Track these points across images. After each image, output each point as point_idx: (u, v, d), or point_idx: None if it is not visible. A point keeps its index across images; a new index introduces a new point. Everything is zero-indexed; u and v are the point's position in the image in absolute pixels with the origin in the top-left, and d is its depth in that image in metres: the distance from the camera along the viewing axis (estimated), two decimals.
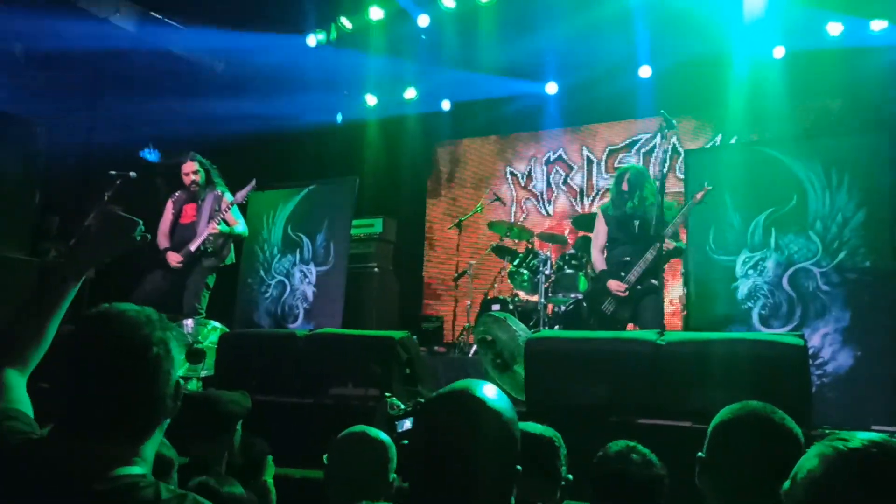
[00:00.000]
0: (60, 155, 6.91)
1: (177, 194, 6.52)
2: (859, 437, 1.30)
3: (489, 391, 1.51)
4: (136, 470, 1.38)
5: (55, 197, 6.96)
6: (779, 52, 7.50)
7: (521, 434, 1.53)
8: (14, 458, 1.38)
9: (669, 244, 5.41)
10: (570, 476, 2.47)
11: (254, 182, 6.41)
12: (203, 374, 5.52)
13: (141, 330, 1.43)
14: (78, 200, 6.59)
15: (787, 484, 1.34)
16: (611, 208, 5.87)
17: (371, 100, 9.19)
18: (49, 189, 6.72)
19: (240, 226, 6.49)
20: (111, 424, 1.39)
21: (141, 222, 1.79)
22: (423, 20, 8.03)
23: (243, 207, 6.75)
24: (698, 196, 5.49)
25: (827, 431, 2.51)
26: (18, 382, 1.61)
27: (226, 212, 6.28)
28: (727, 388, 3.29)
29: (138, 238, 1.78)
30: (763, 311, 5.46)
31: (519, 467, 1.50)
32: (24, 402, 1.58)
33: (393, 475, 2.41)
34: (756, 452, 1.78)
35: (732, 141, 7.93)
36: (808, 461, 1.31)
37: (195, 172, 6.41)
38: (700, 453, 1.90)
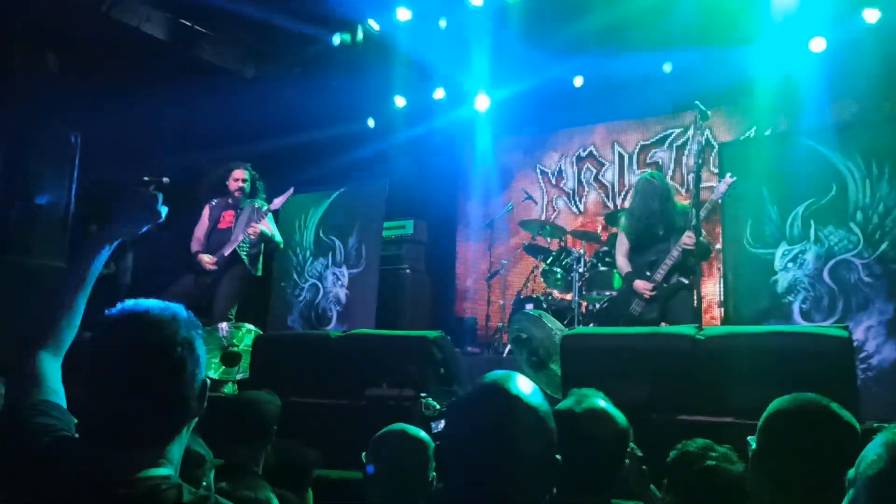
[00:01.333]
0: (95, 163, 7.00)
1: (215, 201, 6.55)
2: None
3: (521, 384, 1.49)
4: (160, 472, 1.35)
5: (91, 204, 7.05)
6: (817, 42, 7.33)
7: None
8: (41, 459, 1.37)
9: (690, 239, 5.25)
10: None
11: (291, 190, 6.44)
12: (239, 377, 5.54)
13: (164, 330, 1.38)
14: (113, 207, 6.66)
15: (851, 472, 1.31)
16: (628, 226, 5.76)
17: (400, 101, 9.18)
18: (84, 197, 6.81)
19: (277, 235, 6.53)
20: (135, 427, 1.36)
21: (160, 196, 1.78)
22: (449, 20, 8.00)
23: (276, 211, 6.77)
24: (721, 188, 5.38)
25: (875, 426, 2.44)
26: (53, 367, 1.59)
27: (262, 219, 6.30)
28: (770, 383, 3.20)
29: (162, 213, 1.78)
30: (804, 305, 5.36)
31: (559, 457, 1.48)
32: (58, 391, 1.56)
33: (433, 474, 2.39)
34: (813, 443, 1.73)
35: (767, 133, 7.79)
36: (874, 449, 1.27)
37: (244, 180, 6.46)
38: (752, 447, 1.85)
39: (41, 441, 1.40)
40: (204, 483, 2.47)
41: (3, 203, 6.34)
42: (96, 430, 1.38)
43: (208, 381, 1.47)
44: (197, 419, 1.47)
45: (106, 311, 1.47)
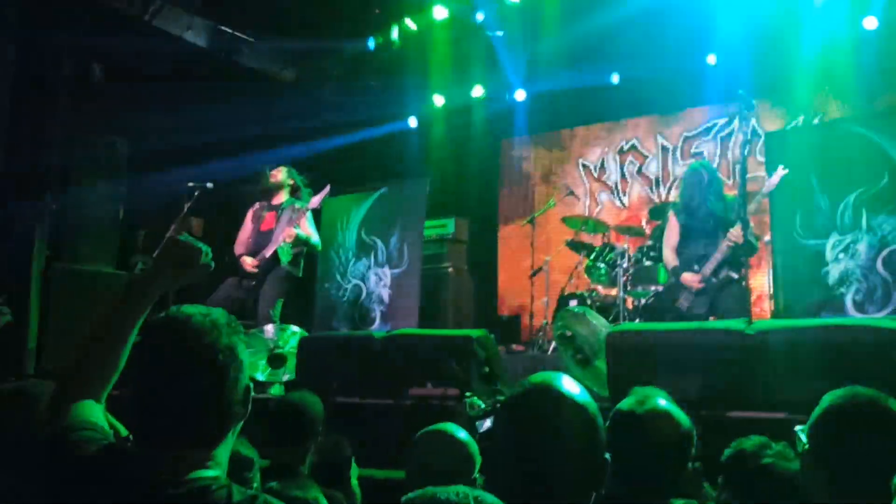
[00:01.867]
0: (141, 169, 7.14)
1: (257, 205, 6.62)
2: None
3: (568, 383, 1.50)
4: (209, 473, 1.38)
5: (139, 210, 7.18)
6: (869, 22, 7.10)
7: None
8: (89, 466, 1.39)
9: (738, 232, 5.12)
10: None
11: (328, 188, 6.47)
12: (285, 378, 5.59)
13: (206, 337, 1.40)
14: (160, 213, 6.78)
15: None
16: (681, 207, 5.67)
17: (438, 100, 9.18)
18: (132, 203, 6.94)
19: (314, 237, 6.53)
20: (181, 432, 1.38)
21: (206, 249, 1.74)
22: (486, 15, 7.98)
23: (317, 213, 6.81)
24: (774, 180, 5.25)
25: None
26: (94, 407, 1.59)
27: (301, 217, 6.33)
28: (823, 378, 3.12)
29: (210, 265, 1.76)
30: (857, 297, 5.22)
31: (607, 456, 1.48)
32: (98, 418, 1.57)
33: (476, 474, 2.37)
34: (868, 440, 1.67)
35: (816, 121, 7.61)
36: None
37: (278, 175, 6.52)
38: (801, 439, 1.80)
39: (86, 453, 1.42)
40: (255, 485, 2.50)
41: (56, 211, 6.49)
42: (143, 434, 1.42)
43: (251, 386, 1.48)
44: (242, 423, 1.48)
45: (151, 318, 1.51)
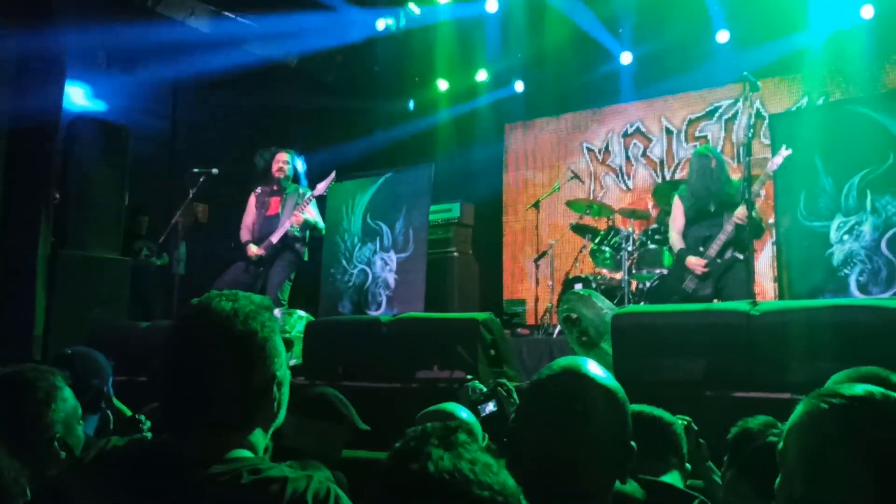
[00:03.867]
0: (145, 155, 7.14)
1: (259, 189, 6.63)
2: None
3: (596, 368, 1.49)
4: (245, 453, 1.39)
5: (143, 197, 7.20)
6: (867, 11, 7.08)
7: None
8: (126, 456, 1.40)
9: (743, 213, 5.15)
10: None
11: (333, 174, 6.47)
12: (292, 362, 5.62)
13: (236, 323, 1.41)
14: (165, 199, 6.80)
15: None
16: (686, 190, 5.69)
17: (443, 84, 9.16)
18: (137, 189, 6.95)
19: (320, 221, 6.57)
20: (207, 415, 1.39)
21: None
22: (492, 3, 7.93)
23: (322, 199, 6.82)
24: (777, 160, 5.25)
25: None
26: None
27: (306, 205, 6.35)
28: (828, 358, 3.14)
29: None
30: (861, 278, 5.21)
31: (633, 443, 1.47)
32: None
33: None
34: None
35: (820, 102, 7.59)
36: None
37: (286, 162, 6.51)
38: None
39: (121, 445, 1.44)
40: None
41: (61, 199, 6.50)
42: (174, 417, 1.43)
43: (285, 376, 1.48)
44: (281, 416, 1.49)
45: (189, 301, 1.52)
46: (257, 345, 1.42)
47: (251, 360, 1.41)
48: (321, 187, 6.49)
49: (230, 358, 1.40)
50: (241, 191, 6.81)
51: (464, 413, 2.48)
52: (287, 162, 6.52)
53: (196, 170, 6.35)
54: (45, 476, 1.56)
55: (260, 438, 1.45)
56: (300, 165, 6.61)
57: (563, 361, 1.52)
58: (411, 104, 9.44)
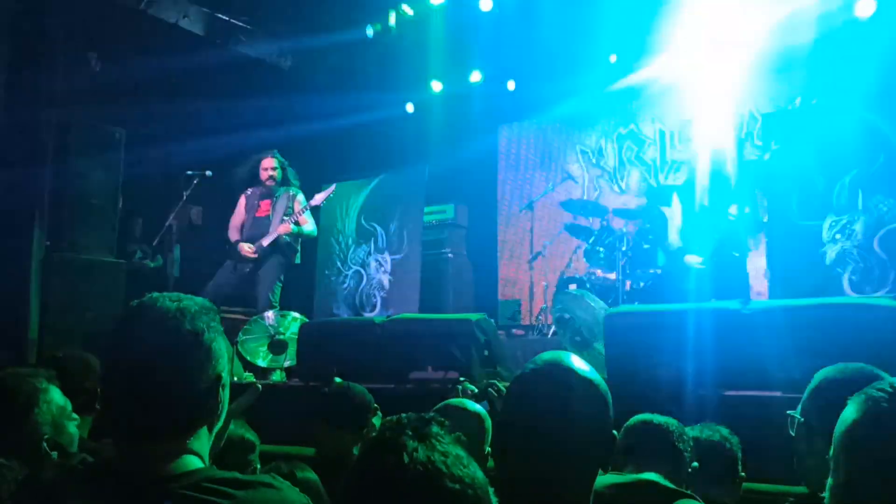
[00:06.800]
0: (138, 158, 7.14)
1: (250, 190, 6.64)
2: None
3: (579, 362, 1.54)
4: (197, 461, 1.35)
5: (137, 199, 7.19)
6: (860, 9, 7.10)
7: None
8: (79, 483, 1.34)
9: (734, 211, 5.22)
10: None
11: (333, 186, 6.49)
12: (286, 364, 5.63)
13: (175, 324, 1.36)
14: (158, 201, 6.80)
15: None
16: (684, 191, 5.73)
17: (436, 86, 9.17)
18: (130, 192, 6.94)
19: (309, 226, 6.55)
20: (145, 422, 1.34)
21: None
22: (486, 3, 7.94)
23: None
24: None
25: None
26: None
27: (300, 214, 6.37)
28: (818, 356, 3.14)
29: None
30: (854, 277, 5.24)
31: (615, 432, 1.52)
32: None
33: (488, 448, 2.43)
34: None
35: (813, 102, 7.61)
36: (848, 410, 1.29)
37: (273, 168, 6.52)
38: (798, 418, 1.82)
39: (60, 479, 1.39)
40: (256, 466, 2.53)
41: (54, 201, 6.50)
42: (118, 422, 1.38)
43: (225, 378, 1.43)
44: (221, 421, 1.44)
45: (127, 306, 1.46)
46: (203, 345, 1.38)
47: (199, 360, 1.37)
48: (319, 198, 6.50)
49: (178, 358, 1.35)
50: (235, 193, 6.82)
51: (475, 406, 2.55)
52: (275, 168, 6.52)
53: (190, 172, 6.35)
54: (39, 478, 1.50)
55: (205, 442, 1.41)
56: (286, 163, 6.60)
57: (546, 356, 1.55)
58: (405, 105, 9.44)
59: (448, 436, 1.08)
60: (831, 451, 1.32)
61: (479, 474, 1.06)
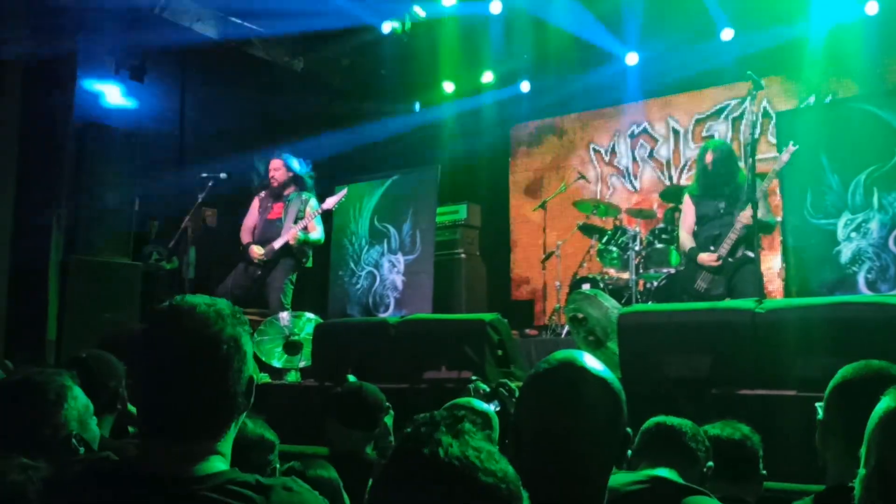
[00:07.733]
0: (155, 160, 7.20)
1: (263, 193, 6.67)
2: None
3: (592, 360, 1.54)
4: (221, 466, 1.37)
5: (152, 201, 7.25)
6: (871, 7, 7.07)
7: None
8: (105, 481, 1.36)
9: (747, 216, 5.11)
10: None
11: (345, 190, 6.50)
12: (301, 365, 5.66)
13: (211, 327, 1.38)
14: (174, 203, 6.85)
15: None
16: (696, 189, 5.67)
17: (448, 86, 9.19)
18: (146, 194, 7.00)
19: (316, 233, 6.53)
20: (186, 424, 1.36)
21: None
22: (495, 5, 7.95)
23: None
24: (784, 157, 5.23)
25: None
26: None
27: (311, 218, 6.38)
28: (834, 355, 3.13)
29: None
30: (869, 275, 5.22)
31: (629, 430, 1.52)
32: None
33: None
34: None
35: (827, 100, 7.58)
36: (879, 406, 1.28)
37: (276, 169, 6.54)
38: (819, 416, 1.82)
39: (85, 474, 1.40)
40: (276, 466, 2.56)
41: (71, 204, 6.57)
42: (148, 425, 1.41)
43: (255, 378, 1.46)
44: (244, 415, 1.46)
45: (156, 307, 1.49)
46: (241, 348, 1.41)
47: (238, 362, 1.40)
48: (331, 203, 6.51)
49: (218, 360, 1.38)
50: (249, 195, 6.86)
51: (482, 405, 2.55)
52: (277, 168, 6.53)
53: (204, 174, 6.40)
54: (63, 478, 1.51)
55: (230, 442, 1.43)
56: (297, 165, 6.60)
57: (559, 355, 1.56)
58: (417, 106, 9.47)
59: (479, 433, 1.11)
60: (864, 443, 1.32)
61: (511, 470, 1.08)
